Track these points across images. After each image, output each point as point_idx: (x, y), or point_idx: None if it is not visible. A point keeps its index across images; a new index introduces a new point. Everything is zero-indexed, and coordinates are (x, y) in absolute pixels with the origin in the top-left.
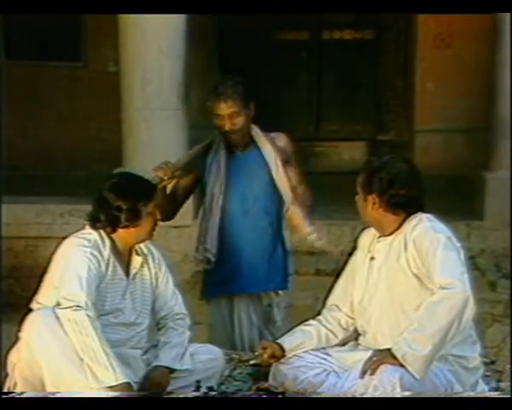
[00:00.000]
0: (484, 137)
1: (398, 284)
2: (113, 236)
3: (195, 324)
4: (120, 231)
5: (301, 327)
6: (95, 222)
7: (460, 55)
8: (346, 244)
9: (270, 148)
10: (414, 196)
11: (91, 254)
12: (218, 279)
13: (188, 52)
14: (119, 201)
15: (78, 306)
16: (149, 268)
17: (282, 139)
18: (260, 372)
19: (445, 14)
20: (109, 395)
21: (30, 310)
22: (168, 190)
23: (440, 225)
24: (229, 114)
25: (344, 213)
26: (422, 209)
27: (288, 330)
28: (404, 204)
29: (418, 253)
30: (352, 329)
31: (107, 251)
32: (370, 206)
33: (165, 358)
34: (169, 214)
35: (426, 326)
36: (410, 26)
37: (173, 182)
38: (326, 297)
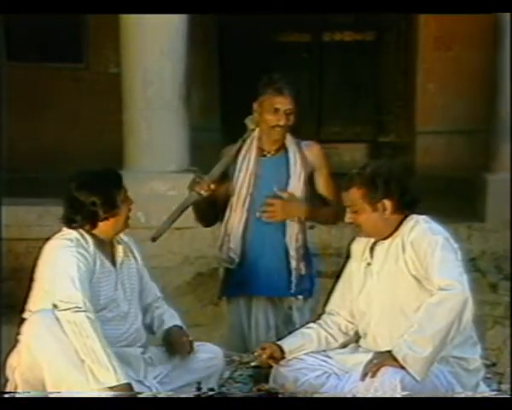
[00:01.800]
0: (485, 139)
1: (398, 286)
2: (94, 231)
3: (196, 325)
4: (100, 225)
5: (301, 330)
6: (71, 223)
7: (461, 56)
8: (347, 247)
9: (298, 159)
10: (415, 194)
11: (77, 252)
12: (238, 279)
13: (189, 53)
14: (92, 196)
15: (77, 307)
16: (133, 255)
17: (312, 149)
18: (261, 374)
19: (445, 14)
20: (109, 396)
21: (23, 320)
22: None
23: (437, 227)
24: (286, 109)
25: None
26: (419, 203)
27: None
28: (411, 203)
29: (416, 254)
30: (352, 333)
31: (91, 247)
32: (379, 213)
33: (173, 320)
34: (210, 221)
35: (426, 328)
36: (411, 27)
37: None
38: (326, 301)
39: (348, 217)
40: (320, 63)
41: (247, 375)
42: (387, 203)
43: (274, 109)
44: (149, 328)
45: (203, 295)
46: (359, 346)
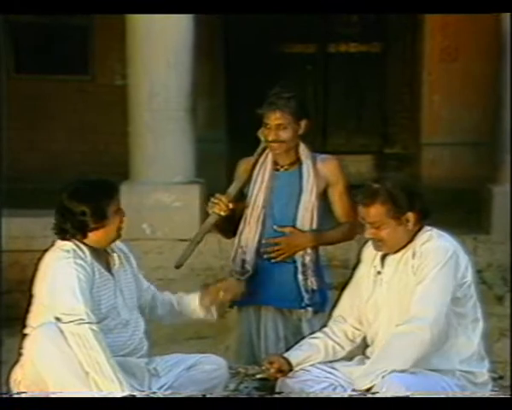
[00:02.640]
0: (490, 151)
1: (407, 296)
2: (86, 241)
3: (201, 337)
4: (90, 235)
5: (308, 340)
6: (63, 234)
7: (466, 68)
8: (353, 258)
9: (312, 174)
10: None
11: (75, 263)
12: (249, 289)
13: (195, 65)
14: (82, 205)
15: (80, 319)
16: (129, 262)
17: (327, 164)
18: (267, 386)
19: (445, 14)
20: (109, 396)
21: (25, 335)
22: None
23: (450, 243)
24: (276, 124)
25: None
26: (430, 215)
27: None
28: (429, 214)
29: (421, 265)
30: (359, 340)
31: (88, 257)
32: (403, 227)
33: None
34: (231, 234)
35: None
36: (417, 39)
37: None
38: (332, 309)
39: (369, 232)
40: (325, 74)
41: (253, 387)
42: (411, 216)
43: (265, 124)
44: (170, 310)
45: None
46: (366, 358)
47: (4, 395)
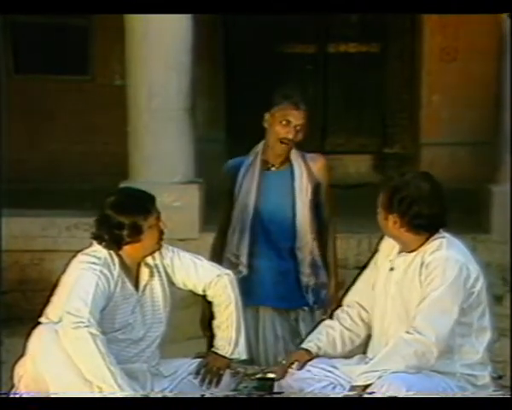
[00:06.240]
0: (490, 150)
1: (413, 300)
2: (121, 252)
3: (200, 337)
4: (126, 247)
5: (326, 330)
6: (100, 241)
7: (466, 68)
8: (352, 258)
9: (304, 172)
10: (436, 215)
11: (101, 272)
12: (245, 290)
13: (194, 65)
14: (120, 218)
15: (80, 322)
16: (160, 277)
17: (317, 163)
18: (266, 386)
19: (445, 14)
20: (109, 396)
21: (39, 323)
22: None
23: (457, 256)
24: (298, 124)
25: (350, 226)
26: (445, 226)
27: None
28: (426, 225)
29: (426, 277)
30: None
31: (116, 269)
32: (391, 224)
33: (217, 343)
34: None
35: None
36: (416, 39)
37: None
38: (345, 293)
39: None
40: (325, 74)
41: (253, 387)
42: (397, 218)
43: (286, 121)
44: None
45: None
46: (366, 357)
47: (4, 395)
